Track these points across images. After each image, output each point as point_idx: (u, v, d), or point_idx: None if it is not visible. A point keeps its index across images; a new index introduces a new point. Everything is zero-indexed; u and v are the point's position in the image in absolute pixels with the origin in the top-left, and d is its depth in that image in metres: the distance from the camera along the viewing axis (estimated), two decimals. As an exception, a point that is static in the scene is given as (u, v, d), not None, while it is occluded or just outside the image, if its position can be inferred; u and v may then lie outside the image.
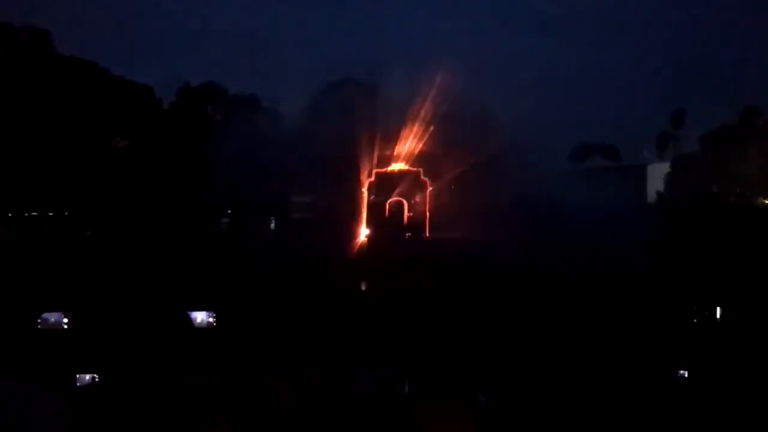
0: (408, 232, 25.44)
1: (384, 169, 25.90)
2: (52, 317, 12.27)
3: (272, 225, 26.64)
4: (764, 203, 25.75)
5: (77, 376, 8.69)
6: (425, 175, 26.02)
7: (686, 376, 13.16)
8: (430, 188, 26.14)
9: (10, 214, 23.24)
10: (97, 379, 8.61)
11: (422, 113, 26.83)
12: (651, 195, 28.39)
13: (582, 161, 29.05)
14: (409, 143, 25.73)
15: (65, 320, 12.23)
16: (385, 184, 26.07)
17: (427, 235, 25.15)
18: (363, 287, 20.94)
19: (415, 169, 26.04)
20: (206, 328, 14.16)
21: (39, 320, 12.22)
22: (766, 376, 12.31)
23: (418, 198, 26.24)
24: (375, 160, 25.52)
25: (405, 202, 25.98)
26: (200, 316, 14.27)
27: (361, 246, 24.51)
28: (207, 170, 24.72)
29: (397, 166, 26.11)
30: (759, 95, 26.66)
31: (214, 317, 13.96)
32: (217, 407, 5.77)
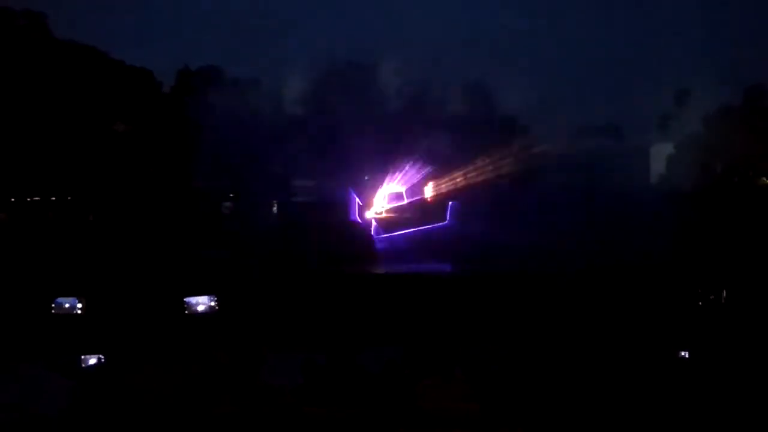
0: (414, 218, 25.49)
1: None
2: (66, 302, 12.27)
3: (274, 209, 26.69)
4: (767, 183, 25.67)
5: (82, 357, 8.75)
6: (429, 162, 26.01)
7: (687, 356, 13.09)
8: (432, 175, 26.16)
9: (12, 200, 23.32)
10: (102, 360, 8.69)
11: (423, 96, 26.73)
12: (654, 176, 28.32)
13: (584, 142, 28.93)
14: (410, 128, 25.68)
15: (79, 305, 12.23)
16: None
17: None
18: (367, 269, 21.03)
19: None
20: (209, 313, 14.16)
21: (53, 305, 12.25)
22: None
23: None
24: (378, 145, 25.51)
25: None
26: (202, 301, 14.22)
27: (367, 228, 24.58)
28: (208, 154, 24.72)
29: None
30: (764, 74, 26.43)
31: (216, 301, 13.94)
32: (224, 387, 5.83)
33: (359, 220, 25.18)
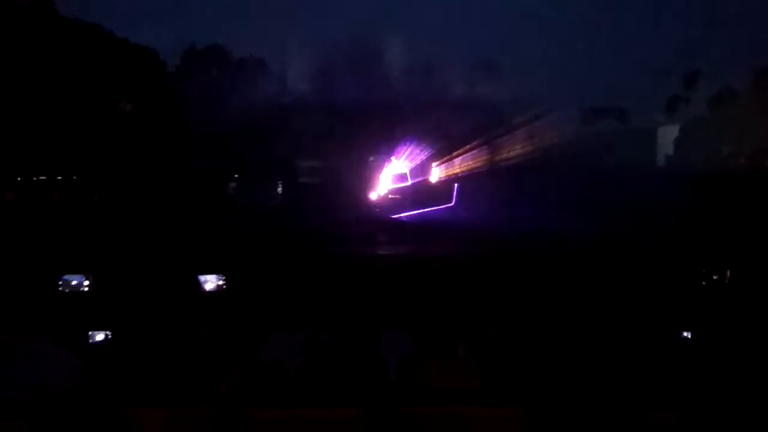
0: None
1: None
2: (73, 279, 12.32)
3: (279, 189, 26.77)
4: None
5: (89, 333, 8.80)
6: (434, 143, 25.91)
7: (689, 337, 13.07)
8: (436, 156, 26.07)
9: (19, 179, 23.45)
10: (110, 336, 8.77)
11: (429, 76, 26.61)
12: (660, 158, 28.25)
13: (591, 124, 28.80)
14: (416, 108, 25.57)
15: (86, 282, 12.29)
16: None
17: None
18: (371, 250, 21.09)
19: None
20: (216, 291, 14.25)
21: (60, 282, 12.32)
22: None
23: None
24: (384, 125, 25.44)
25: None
26: (210, 279, 14.29)
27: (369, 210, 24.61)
28: (213, 134, 24.75)
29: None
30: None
31: (224, 280, 14.02)
32: (228, 363, 5.90)
33: (363, 201, 25.21)
